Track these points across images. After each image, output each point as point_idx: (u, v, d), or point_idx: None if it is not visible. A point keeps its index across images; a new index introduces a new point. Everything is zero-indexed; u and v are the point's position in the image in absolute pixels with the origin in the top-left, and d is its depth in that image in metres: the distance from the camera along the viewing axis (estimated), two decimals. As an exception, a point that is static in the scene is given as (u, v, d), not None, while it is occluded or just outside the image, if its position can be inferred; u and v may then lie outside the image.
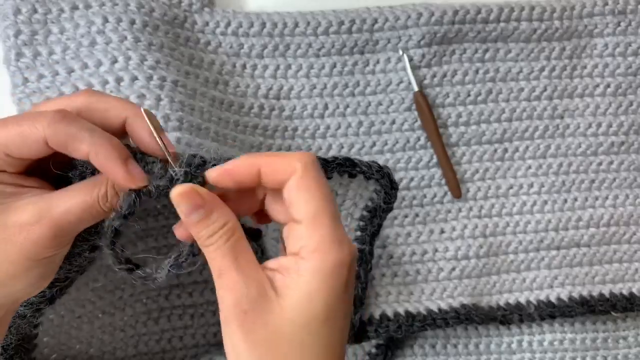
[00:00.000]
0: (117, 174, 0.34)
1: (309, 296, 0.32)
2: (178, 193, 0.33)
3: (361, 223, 0.53)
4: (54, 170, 0.36)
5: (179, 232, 0.36)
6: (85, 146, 0.33)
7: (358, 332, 0.57)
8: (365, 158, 0.60)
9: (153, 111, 0.43)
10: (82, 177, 0.36)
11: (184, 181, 0.34)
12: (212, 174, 0.34)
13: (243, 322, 0.32)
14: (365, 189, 0.50)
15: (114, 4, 0.53)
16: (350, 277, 0.33)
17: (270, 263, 0.34)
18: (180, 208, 0.33)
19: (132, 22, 0.52)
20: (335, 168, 0.45)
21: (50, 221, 0.33)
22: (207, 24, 0.58)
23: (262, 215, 0.37)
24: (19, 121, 0.33)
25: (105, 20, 0.52)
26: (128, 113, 0.35)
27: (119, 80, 0.50)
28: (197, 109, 0.53)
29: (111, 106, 0.35)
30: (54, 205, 0.34)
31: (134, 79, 0.50)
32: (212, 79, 0.57)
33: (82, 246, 0.39)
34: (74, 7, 0.53)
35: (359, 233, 0.54)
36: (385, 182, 0.48)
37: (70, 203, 0.34)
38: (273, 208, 0.36)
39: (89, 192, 0.34)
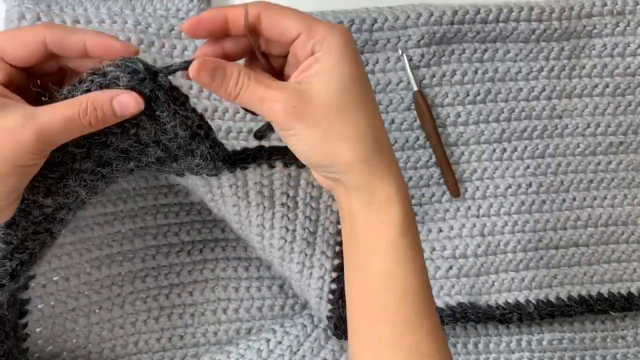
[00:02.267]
0: (112, 44, 0.39)
1: (333, 70, 0.38)
2: (195, 68, 0.38)
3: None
4: (34, 89, 0.39)
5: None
6: (80, 35, 0.39)
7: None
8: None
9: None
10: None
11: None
12: (184, 27, 0.40)
13: (299, 115, 0.38)
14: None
15: (113, 21, 0.56)
16: (356, 46, 0.40)
17: (293, 77, 0.40)
18: (203, 79, 0.39)
19: (128, 40, 0.55)
20: (279, 158, 0.49)
21: (35, 126, 0.36)
22: None
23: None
24: (18, 28, 0.37)
25: None
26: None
27: None
28: None
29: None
30: (40, 114, 0.37)
31: None
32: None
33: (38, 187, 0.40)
34: (76, 21, 0.55)
35: (339, 226, 0.54)
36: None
37: (54, 113, 0.37)
38: (270, 47, 0.41)
39: (71, 107, 0.37)
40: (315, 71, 0.38)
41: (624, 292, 0.64)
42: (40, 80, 0.41)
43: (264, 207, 0.52)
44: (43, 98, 0.40)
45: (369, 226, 0.40)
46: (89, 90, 0.38)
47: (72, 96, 0.38)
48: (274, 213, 0.52)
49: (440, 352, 0.40)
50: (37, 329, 0.53)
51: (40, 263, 0.47)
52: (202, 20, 0.39)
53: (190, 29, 0.39)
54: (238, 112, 0.58)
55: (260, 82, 0.39)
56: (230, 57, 0.41)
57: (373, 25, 0.60)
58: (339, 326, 0.56)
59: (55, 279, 0.52)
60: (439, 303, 0.59)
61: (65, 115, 0.37)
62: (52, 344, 0.54)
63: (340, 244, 0.55)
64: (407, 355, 0.40)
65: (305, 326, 0.59)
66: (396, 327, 0.40)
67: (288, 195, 0.53)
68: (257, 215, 0.52)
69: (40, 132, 0.36)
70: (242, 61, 0.43)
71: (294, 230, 0.52)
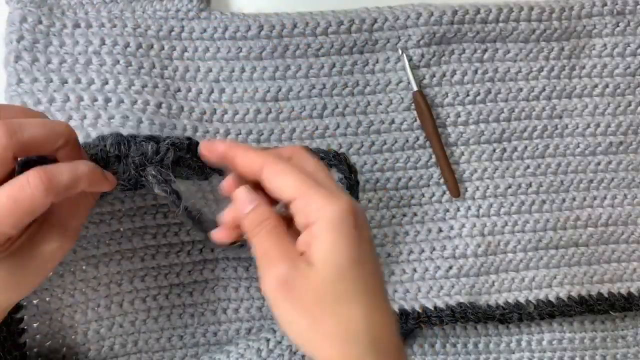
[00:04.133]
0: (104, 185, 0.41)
1: (330, 251, 0.35)
2: (238, 189, 0.40)
3: None
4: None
5: (218, 235, 0.42)
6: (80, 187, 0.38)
7: None
8: (364, 158, 0.60)
9: (133, 131, 0.51)
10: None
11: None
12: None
13: (287, 294, 0.35)
14: None
15: (113, 25, 0.57)
16: (359, 222, 0.36)
17: (298, 245, 0.38)
18: (238, 202, 0.39)
19: (127, 45, 0.56)
20: None
21: None
22: (204, 30, 0.58)
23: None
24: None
25: (103, 42, 0.56)
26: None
27: (107, 100, 0.54)
28: (179, 127, 0.56)
29: None
30: None
31: (120, 101, 0.54)
32: (206, 88, 0.58)
33: None
34: (76, 25, 0.56)
35: None
36: (343, 168, 0.50)
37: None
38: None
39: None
40: (313, 250, 0.36)
41: (624, 292, 0.63)
42: None
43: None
44: None
45: None
46: None
47: None
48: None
49: None
50: (35, 324, 0.53)
51: None
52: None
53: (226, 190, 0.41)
54: (237, 114, 0.59)
55: (276, 238, 0.38)
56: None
57: (373, 25, 0.60)
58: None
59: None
60: (439, 303, 0.59)
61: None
62: (51, 340, 0.54)
63: None
64: None
65: (305, 326, 0.59)
66: None
67: None
68: None
69: None
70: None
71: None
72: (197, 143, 0.45)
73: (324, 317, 0.35)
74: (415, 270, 0.61)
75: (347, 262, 0.36)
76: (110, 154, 0.42)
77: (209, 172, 0.49)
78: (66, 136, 0.39)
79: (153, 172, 0.42)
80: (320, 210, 0.36)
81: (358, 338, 0.35)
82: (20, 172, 0.37)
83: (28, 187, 0.35)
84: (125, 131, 0.51)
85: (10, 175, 0.37)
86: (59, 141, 0.38)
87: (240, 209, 0.40)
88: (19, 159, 0.38)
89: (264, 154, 0.39)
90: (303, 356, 0.58)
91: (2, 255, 0.37)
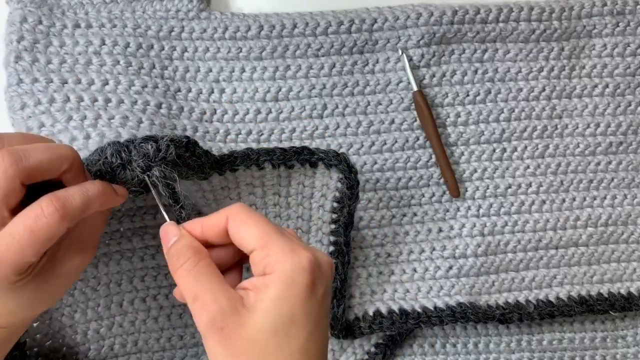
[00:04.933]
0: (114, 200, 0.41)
1: (274, 304, 0.35)
2: (163, 225, 0.40)
3: (333, 215, 0.55)
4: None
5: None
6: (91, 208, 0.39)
7: (348, 327, 0.58)
8: (364, 157, 0.60)
9: (133, 132, 0.51)
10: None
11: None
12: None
13: (220, 338, 0.35)
14: (329, 178, 0.53)
15: (113, 25, 0.57)
16: (314, 281, 0.36)
17: (245, 283, 0.38)
18: (162, 237, 0.39)
19: (127, 46, 0.56)
20: (294, 156, 0.48)
21: None
22: (204, 30, 0.58)
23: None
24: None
25: (103, 42, 0.56)
26: None
27: (107, 100, 0.54)
28: (179, 127, 0.56)
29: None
30: None
31: (121, 101, 0.54)
32: (206, 89, 0.58)
33: None
34: (76, 25, 0.56)
35: (333, 226, 0.55)
36: (343, 167, 0.50)
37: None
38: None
39: None
40: (259, 297, 0.36)
41: (624, 292, 0.63)
42: None
43: (256, 208, 0.52)
44: None
45: None
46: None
47: None
48: (266, 214, 0.53)
49: None
50: (34, 324, 0.53)
51: None
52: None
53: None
54: (237, 114, 0.59)
55: (204, 276, 0.37)
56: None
57: (373, 25, 0.60)
58: (335, 326, 0.57)
59: None
60: (439, 303, 0.59)
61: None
62: (51, 339, 0.54)
63: (334, 243, 0.55)
64: None
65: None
66: None
67: (279, 196, 0.53)
68: None
69: None
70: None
71: (287, 231, 0.53)
72: (196, 142, 0.45)
73: None
74: (415, 270, 0.61)
75: (287, 320, 0.35)
76: (114, 164, 0.42)
77: (209, 172, 0.49)
78: (70, 159, 0.39)
79: (157, 174, 0.42)
80: (278, 263, 0.36)
81: None
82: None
83: (43, 216, 0.36)
84: (125, 131, 0.51)
85: (22, 202, 0.37)
86: (64, 165, 0.38)
87: (164, 244, 0.39)
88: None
89: (230, 208, 0.39)
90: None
91: (27, 280, 0.38)
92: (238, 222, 0.38)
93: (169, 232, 0.39)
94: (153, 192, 0.43)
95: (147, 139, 0.43)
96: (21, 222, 0.36)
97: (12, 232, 0.35)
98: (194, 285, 0.37)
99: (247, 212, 0.38)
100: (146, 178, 0.42)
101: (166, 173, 0.42)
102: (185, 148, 0.44)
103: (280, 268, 0.36)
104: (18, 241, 0.35)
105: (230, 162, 0.49)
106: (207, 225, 0.39)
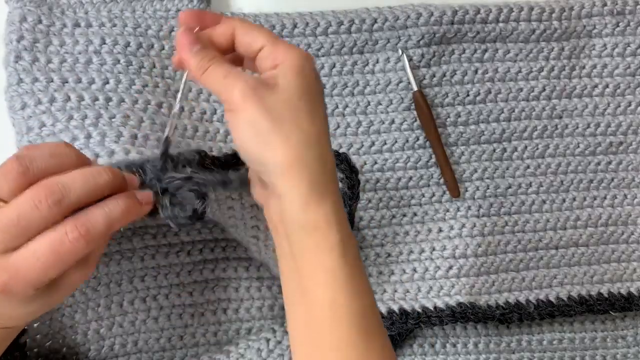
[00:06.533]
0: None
1: (293, 79, 0.39)
2: (179, 31, 0.41)
3: None
4: None
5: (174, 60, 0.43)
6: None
7: None
8: (364, 157, 0.60)
9: (134, 131, 0.51)
10: None
11: None
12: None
13: (256, 96, 0.38)
14: None
15: (113, 24, 0.56)
16: (316, 72, 0.41)
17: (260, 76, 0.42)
18: (181, 42, 0.41)
19: (127, 45, 0.56)
20: None
21: None
22: None
23: None
24: None
25: (103, 41, 0.56)
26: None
27: (108, 99, 0.54)
28: (180, 127, 0.56)
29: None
30: None
31: (121, 100, 0.54)
32: (206, 89, 0.58)
33: None
34: (76, 25, 0.56)
35: None
36: (344, 167, 0.50)
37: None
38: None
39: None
40: (278, 78, 0.39)
41: (624, 292, 0.64)
42: None
43: (258, 209, 0.52)
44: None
45: (305, 250, 0.39)
46: None
47: None
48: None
49: None
50: (35, 325, 0.53)
51: None
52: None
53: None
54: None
55: (229, 65, 0.41)
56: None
57: (373, 25, 0.60)
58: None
59: None
60: (439, 303, 0.59)
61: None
62: (51, 340, 0.54)
63: None
64: None
65: (305, 326, 0.59)
66: (343, 355, 0.39)
67: None
68: (252, 217, 0.52)
69: None
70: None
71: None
72: (206, 154, 0.46)
73: (286, 122, 0.38)
74: (415, 270, 0.61)
75: (308, 87, 0.40)
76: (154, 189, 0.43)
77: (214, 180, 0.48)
78: (110, 186, 0.40)
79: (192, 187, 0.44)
80: (287, 54, 0.40)
81: (310, 146, 0.39)
82: None
83: (67, 240, 0.37)
84: (126, 131, 0.51)
85: None
86: (105, 192, 0.39)
87: (184, 51, 0.41)
88: None
89: (232, 19, 0.42)
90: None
91: (40, 291, 0.39)
92: (247, 26, 0.42)
93: (191, 43, 0.41)
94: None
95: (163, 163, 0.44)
96: (46, 243, 0.37)
97: (35, 253, 0.36)
98: (222, 67, 0.40)
99: (249, 21, 0.43)
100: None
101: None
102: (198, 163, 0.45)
103: (290, 57, 0.40)
104: (43, 263, 0.36)
105: (233, 163, 0.49)
106: (216, 34, 0.42)
